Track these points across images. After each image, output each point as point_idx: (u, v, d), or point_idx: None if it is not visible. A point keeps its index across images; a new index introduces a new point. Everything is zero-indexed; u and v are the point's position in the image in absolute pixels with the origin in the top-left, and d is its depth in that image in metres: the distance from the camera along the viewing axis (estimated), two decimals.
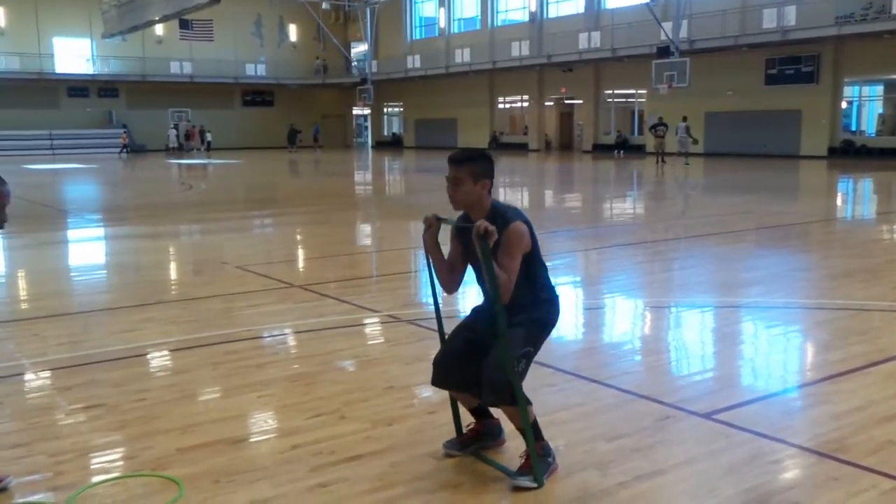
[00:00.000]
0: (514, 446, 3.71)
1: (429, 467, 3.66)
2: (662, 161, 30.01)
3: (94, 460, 3.81)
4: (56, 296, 8.01)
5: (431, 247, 3.64)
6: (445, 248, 3.69)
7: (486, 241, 3.28)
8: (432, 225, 3.58)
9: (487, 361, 3.44)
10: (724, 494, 3.35)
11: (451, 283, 3.71)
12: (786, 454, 3.78)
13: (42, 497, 3.42)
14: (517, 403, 3.39)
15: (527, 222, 3.50)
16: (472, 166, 3.50)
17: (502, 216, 3.45)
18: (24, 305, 7.73)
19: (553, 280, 3.74)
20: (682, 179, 24.08)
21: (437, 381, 3.72)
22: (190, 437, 4.01)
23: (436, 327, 3.86)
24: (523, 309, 3.51)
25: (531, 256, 3.50)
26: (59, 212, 16.75)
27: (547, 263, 3.70)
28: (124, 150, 45.24)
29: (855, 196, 19.57)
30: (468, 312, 3.89)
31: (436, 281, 3.75)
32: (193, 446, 3.90)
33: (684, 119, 31.41)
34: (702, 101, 35.32)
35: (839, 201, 18.53)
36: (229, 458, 3.77)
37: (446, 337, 3.78)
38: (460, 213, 3.65)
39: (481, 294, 3.75)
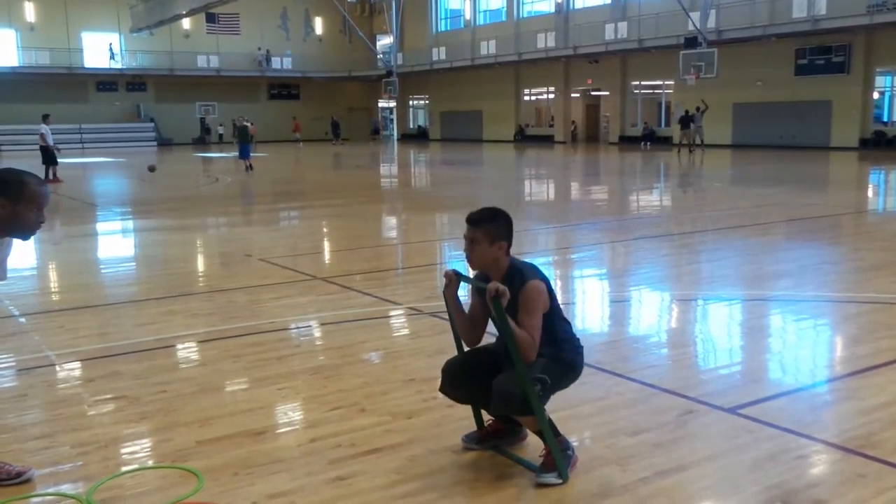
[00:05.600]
0: (534, 441, 3.66)
1: (447, 461, 3.63)
2: (690, 150, 31.40)
3: (115, 452, 3.82)
4: (81, 288, 8.07)
5: (452, 303, 3.62)
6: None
7: (499, 301, 3.25)
8: (452, 281, 3.56)
9: (500, 376, 3.40)
10: (748, 491, 3.29)
11: (473, 338, 3.70)
12: (812, 450, 3.71)
13: (63, 488, 3.44)
14: (530, 413, 3.35)
15: (545, 280, 3.48)
16: (489, 227, 3.47)
17: (520, 275, 3.44)
18: (50, 298, 7.81)
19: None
20: (711, 171, 23.85)
21: (445, 389, 3.72)
22: (209, 430, 4.02)
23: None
24: (547, 354, 3.47)
25: (551, 314, 3.48)
26: (88, 205, 16.91)
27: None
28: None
29: (886, 188, 19.24)
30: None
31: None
32: (213, 439, 3.91)
33: (698, 108, 32.24)
34: (730, 91, 34.93)
35: (870, 193, 18.23)
36: (248, 450, 3.76)
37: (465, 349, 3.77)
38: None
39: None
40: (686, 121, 32.64)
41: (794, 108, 33.54)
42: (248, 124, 28.94)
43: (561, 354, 3.53)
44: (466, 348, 3.76)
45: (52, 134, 22.60)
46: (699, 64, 31.07)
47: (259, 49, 53.23)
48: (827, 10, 29.89)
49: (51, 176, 21.72)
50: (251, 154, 26.32)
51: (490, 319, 3.60)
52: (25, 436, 4.01)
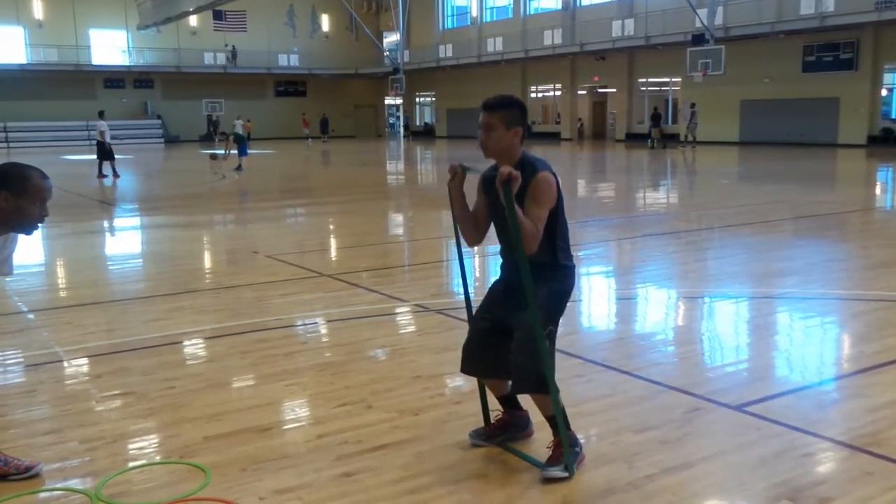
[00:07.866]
0: (541, 437, 3.67)
1: (455, 457, 3.63)
2: (654, 146, 34.12)
3: (123, 448, 3.84)
4: (89, 285, 8.11)
5: (456, 197, 3.58)
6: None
7: (510, 186, 3.22)
8: (457, 174, 3.54)
9: (512, 347, 3.38)
10: (754, 488, 3.29)
11: (474, 237, 3.65)
12: (818, 447, 3.70)
13: (72, 483, 3.46)
14: (547, 391, 3.35)
15: (555, 176, 3.45)
16: (505, 112, 3.46)
17: (531, 166, 3.41)
18: (58, 294, 7.84)
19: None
20: (717, 168, 23.79)
21: (466, 368, 3.68)
22: (217, 426, 4.03)
23: (464, 317, 3.82)
24: (542, 275, 3.38)
25: (555, 213, 3.43)
26: (96, 202, 16.96)
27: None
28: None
29: (894, 185, 19.18)
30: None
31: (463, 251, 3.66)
32: (220, 435, 3.92)
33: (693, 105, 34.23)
34: (737, 88, 34.87)
35: (878, 190, 18.16)
36: (255, 446, 3.78)
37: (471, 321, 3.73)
38: (490, 162, 3.59)
39: (502, 257, 3.68)
40: (657, 118, 35.06)
41: (802, 105, 33.44)
42: (244, 122, 28.61)
43: (557, 285, 3.46)
44: (476, 337, 3.68)
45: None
46: (706, 61, 31.02)
47: (226, 45, 52.08)
48: (835, 7, 29.79)
49: (104, 172, 22.10)
50: (244, 154, 26.18)
51: (493, 222, 3.59)
52: (34, 431, 4.03)
